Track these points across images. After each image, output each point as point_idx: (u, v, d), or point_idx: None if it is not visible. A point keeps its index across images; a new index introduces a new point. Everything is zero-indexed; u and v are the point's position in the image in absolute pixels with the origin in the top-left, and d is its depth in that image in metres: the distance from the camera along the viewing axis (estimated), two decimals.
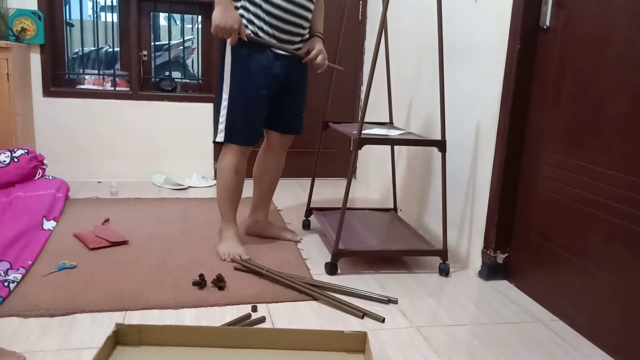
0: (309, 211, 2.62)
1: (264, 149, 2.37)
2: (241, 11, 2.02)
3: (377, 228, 2.44)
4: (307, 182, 3.67)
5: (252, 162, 2.35)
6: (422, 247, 2.22)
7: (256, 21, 2.03)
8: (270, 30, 2.03)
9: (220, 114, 2.11)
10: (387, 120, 2.81)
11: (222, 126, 2.10)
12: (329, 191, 3.45)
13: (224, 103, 2.09)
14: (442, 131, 2.13)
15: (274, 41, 2.05)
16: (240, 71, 2.06)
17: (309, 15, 2.12)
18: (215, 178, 2.17)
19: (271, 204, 2.66)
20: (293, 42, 2.11)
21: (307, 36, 2.18)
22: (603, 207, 1.65)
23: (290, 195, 3.27)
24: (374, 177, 3.46)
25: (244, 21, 2.02)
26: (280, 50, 2.07)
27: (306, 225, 2.63)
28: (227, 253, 2.16)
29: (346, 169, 3.60)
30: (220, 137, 2.12)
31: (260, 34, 2.04)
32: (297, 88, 2.23)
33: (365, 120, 2.72)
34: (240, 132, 2.10)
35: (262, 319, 1.69)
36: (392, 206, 2.81)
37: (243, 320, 1.67)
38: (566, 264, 1.80)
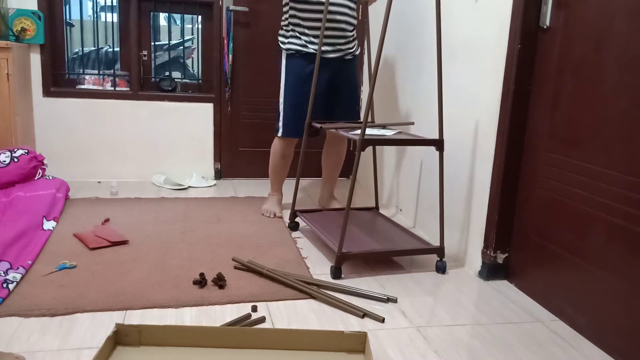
0: (294, 214, 2.61)
1: (326, 139, 2.90)
2: (289, 27, 2.58)
3: (367, 228, 2.45)
4: (305, 181, 3.67)
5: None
6: (420, 246, 2.24)
7: (303, 37, 2.56)
8: (315, 40, 2.54)
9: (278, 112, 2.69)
10: (370, 120, 2.81)
11: (280, 123, 2.67)
12: None
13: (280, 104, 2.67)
14: (440, 130, 2.13)
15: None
16: (290, 78, 2.62)
17: (351, 20, 2.58)
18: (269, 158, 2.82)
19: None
20: (337, 45, 2.58)
21: (352, 37, 2.65)
22: (603, 207, 1.65)
23: (291, 194, 3.27)
24: (371, 177, 3.46)
25: (290, 39, 2.58)
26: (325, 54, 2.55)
27: (293, 228, 2.63)
28: (267, 210, 2.80)
29: (346, 169, 3.60)
30: (279, 132, 2.69)
31: (308, 45, 2.55)
32: (345, 84, 2.67)
33: (350, 120, 2.72)
34: (287, 126, 2.66)
35: (262, 319, 1.69)
36: (390, 205, 2.80)
37: (243, 320, 1.67)
38: (566, 264, 1.81)
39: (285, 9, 2.59)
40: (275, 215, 2.78)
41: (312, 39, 2.53)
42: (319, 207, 2.97)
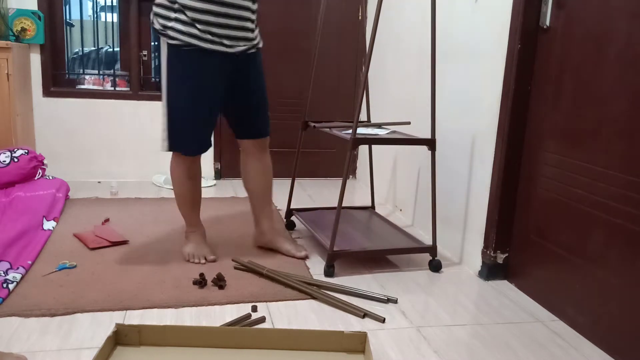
0: (290, 212, 2.61)
1: (243, 160, 2.23)
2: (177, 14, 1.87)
3: (362, 227, 2.45)
4: (305, 181, 3.67)
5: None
6: (413, 245, 2.25)
7: (196, 24, 1.87)
8: (212, 30, 1.88)
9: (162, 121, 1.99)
10: (365, 119, 2.82)
11: (164, 134, 1.99)
12: (328, 191, 3.45)
13: (164, 110, 1.97)
14: (432, 130, 2.14)
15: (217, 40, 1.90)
16: (177, 75, 1.93)
17: (249, 14, 1.96)
18: (171, 184, 2.16)
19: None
20: (240, 38, 1.95)
21: (252, 29, 2.01)
22: (603, 207, 1.65)
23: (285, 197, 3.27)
24: (374, 177, 3.46)
25: (178, 25, 1.86)
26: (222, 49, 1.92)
27: (290, 227, 2.62)
28: (190, 254, 2.13)
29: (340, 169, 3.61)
30: (165, 147, 2.00)
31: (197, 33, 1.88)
32: (255, 88, 2.09)
33: (348, 119, 2.73)
34: (184, 141, 1.99)
35: (262, 319, 1.69)
36: (390, 205, 2.81)
37: (243, 320, 1.67)
38: (566, 264, 1.81)
39: None
40: (206, 259, 2.12)
41: (208, 28, 1.87)
42: (266, 246, 2.30)
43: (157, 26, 1.91)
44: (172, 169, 2.08)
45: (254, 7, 1.99)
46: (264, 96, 2.14)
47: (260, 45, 2.09)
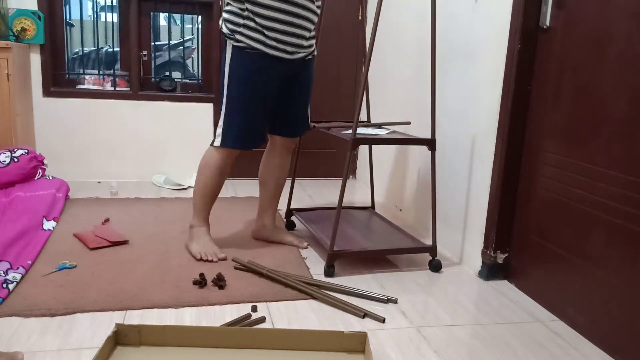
0: (290, 212, 2.61)
1: (268, 152, 2.34)
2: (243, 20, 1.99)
3: (362, 227, 2.45)
4: (305, 181, 3.67)
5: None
6: (413, 245, 2.25)
7: (264, 31, 1.98)
8: (272, 35, 1.99)
9: (220, 117, 2.10)
10: (366, 119, 2.82)
11: (220, 130, 2.09)
12: (328, 191, 3.45)
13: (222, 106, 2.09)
14: (432, 130, 2.14)
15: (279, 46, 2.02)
16: (238, 75, 2.04)
17: (313, 16, 2.06)
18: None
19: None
20: (300, 46, 2.06)
21: (312, 38, 2.13)
22: (603, 207, 1.65)
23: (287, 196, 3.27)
24: (375, 177, 3.46)
25: (246, 31, 1.98)
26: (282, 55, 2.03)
27: (290, 227, 2.62)
28: (202, 252, 2.14)
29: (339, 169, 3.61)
30: (218, 142, 2.10)
31: (263, 38, 1.99)
32: (304, 91, 2.21)
33: (349, 119, 2.73)
34: (232, 135, 2.08)
35: (262, 319, 1.69)
36: (390, 205, 2.81)
37: (243, 320, 1.67)
38: (566, 264, 1.81)
39: None
40: (217, 257, 2.13)
41: (275, 35, 1.98)
42: (266, 239, 2.39)
43: (225, 30, 2.02)
44: (207, 161, 2.13)
45: (316, 18, 2.10)
46: (308, 100, 2.27)
47: (315, 53, 2.21)
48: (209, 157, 2.13)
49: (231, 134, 2.07)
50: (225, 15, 2.03)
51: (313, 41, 2.16)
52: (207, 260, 2.12)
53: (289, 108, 2.21)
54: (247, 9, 1.96)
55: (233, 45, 2.00)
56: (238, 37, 1.98)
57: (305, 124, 2.29)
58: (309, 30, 2.08)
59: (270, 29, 1.96)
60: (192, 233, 2.22)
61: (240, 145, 2.10)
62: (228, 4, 2.02)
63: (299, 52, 2.07)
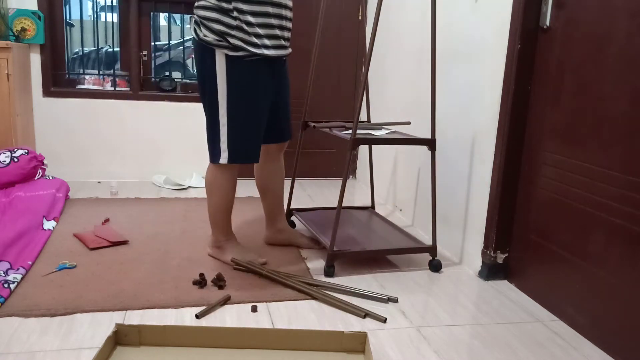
0: (290, 212, 2.61)
1: (262, 160, 2.20)
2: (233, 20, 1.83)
3: (362, 227, 2.46)
4: (305, 181, 3.67)
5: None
6: (413, 245, 2.25)
7: (248, 29, 1.83)
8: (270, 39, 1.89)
9: (221, 133, 1.94)
10: (365, 119, 2.82)
11: (224, 146, 1.95)
12: (328, 191, 3.45)
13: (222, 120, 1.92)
14: (432, 130, 2.14)
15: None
16: (238, 86, 1.90)
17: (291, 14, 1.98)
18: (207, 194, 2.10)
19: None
20: (289, 39, 2.00)
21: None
22: (603, 207, 1.65)
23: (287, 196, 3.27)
24: (375, 177, 3.46)
25: (241, 34, 1.83)
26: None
27: (290, 227, 2.61)
28: (251, 261, 2.06)
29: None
30: (225, 158, 1.96)
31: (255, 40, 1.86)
32: (286, 95, 2.13)
33: (349, 119, 2.73)
34: (236, 150, 1.96)
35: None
36: (390, 205, 2.81)
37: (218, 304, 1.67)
38: (566, 264, 1.81)
39: None
40: (259, 262, 2.09)
41: (272, 32, 1.88)
42: (282, 243, 2.35)
43: (209, 39, 1.83)
44: (216, 180, 2.02)
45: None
46: (289, 100, 2.17)
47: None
48: (218, 176, 2.02)
49: (241, 149, 1.96)
50: (205, 17, 1.82)
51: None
52: (259, 269, 2.01)
53: (280, 111, 2.11)
54: (235, 8, 1.79)
55: (227, 55, 1.83)
56: (233, 41, 1.81)
57: (290, 123, 2.21)
58: (291, 21, 1.99)
59: (266, 25, 1.84)
60: (219, 248, 2.13)
61: (253, 159, 2.00)
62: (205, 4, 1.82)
63: (289, 47, 2.00)
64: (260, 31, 1.84)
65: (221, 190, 2.04)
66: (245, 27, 1.82)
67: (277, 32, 1.90)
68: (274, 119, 2.10)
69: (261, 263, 2.09)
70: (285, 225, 2.36)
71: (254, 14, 1.82)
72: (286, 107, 2.15)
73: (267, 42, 1.87)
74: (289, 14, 1.94)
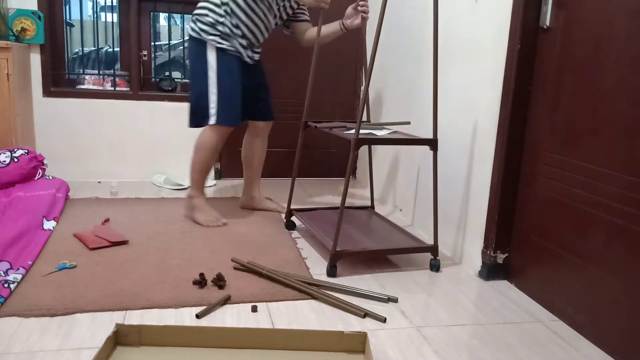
0: (290, 212, 2.61)
1: (250, 136, 2.81)
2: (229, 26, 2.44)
3: (362, 227, 2.45)
4: (305, 181, 3.67)
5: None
6: (414, 244, 2.25)
7: (240, 40, 2.49)
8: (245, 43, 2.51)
9: (210, 100, 2.48)
10: (365, 119, 2.82)
11: (212, 111, 2.47)
12: (328, 191, 3.45)
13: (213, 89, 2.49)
14: (434, 130, 2.14)
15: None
16: (223, 71, 2.49)
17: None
18: (194, 152, 2.57)
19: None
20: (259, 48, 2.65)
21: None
22: (603, 207, 1.65)
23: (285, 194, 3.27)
24: (374, 177, 3.46)
25: (225, 37, 2.45)
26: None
27: (290, 227, 2.62)
28: (208, 220, 2.54)
29: (345, 169, 3.61)
30: (213, 120, 2.47)
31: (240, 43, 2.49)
32: (264, 83, 2.73)
33: (350, 120, 2.73)
34: (224, 113, 2.49)
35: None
36: (390, 205, 2.80)
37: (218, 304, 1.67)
38: (566, 264, 1.81)
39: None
40: (220, 222, 2.57)
41: (246, 45, 2.52)
42: (253, 208, 2.89)
43: (203, 29, 2.43)
44: (204, 140, 2.51)
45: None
46: (266, 83, 2.78)
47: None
48: (207, 138, 2.50)
49: (225, 113, 2.46)
50: (199, 14, 2.44)
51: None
52: (217, 226, 2.53)
53: (261, 91, 2.70)
54: (226, 23, 2.42)
55: (217, 47, 2.44)
56: (221, 28, 2.42)
57: (272, 105, 2.79)
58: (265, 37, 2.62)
59: (248, 37, 2.51)
60: (192, 204, 2.60)
61: (233, 122, 2.51)
62: (207, 13, 2.42)
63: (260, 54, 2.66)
64: (241, 40, 2.49)
65: (205, 152, 2.51)
66: (230, 24, 2.44)
67: (255, 42, 2.57)
68: (257, 97, 2.68)
69: (223, 223, 2.54)
70: (258, 194, 2.89)
71: (242, 26, 2.49)
72: (266, 88, 2.74)
73: (243, 51, 2.51)
74: (265, 32, 2.59)
